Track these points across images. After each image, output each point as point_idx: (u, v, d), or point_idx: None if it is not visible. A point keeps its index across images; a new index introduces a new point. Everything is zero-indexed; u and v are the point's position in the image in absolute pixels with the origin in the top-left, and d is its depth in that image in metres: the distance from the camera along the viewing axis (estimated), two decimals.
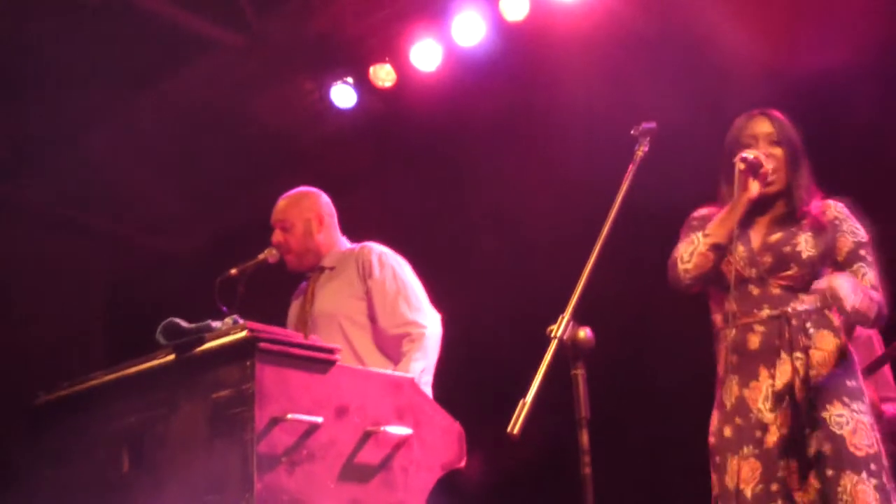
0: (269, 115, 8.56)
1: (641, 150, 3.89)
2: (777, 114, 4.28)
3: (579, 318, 3.27)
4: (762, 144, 4.18)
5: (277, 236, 5.45)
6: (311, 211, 5.53)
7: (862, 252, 4.11)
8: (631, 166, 3.85)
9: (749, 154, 4.09)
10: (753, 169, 4.10)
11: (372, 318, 5.23)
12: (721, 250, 4.15)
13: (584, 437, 3.17)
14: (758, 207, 4.19)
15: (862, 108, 6.70)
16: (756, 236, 4.16)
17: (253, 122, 8.58)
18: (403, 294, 5.23)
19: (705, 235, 4.17)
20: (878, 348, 6.07)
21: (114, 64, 7.66)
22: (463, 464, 4.23)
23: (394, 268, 5.32)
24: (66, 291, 9.45)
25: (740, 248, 4.13)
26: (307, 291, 5.44)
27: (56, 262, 9.30)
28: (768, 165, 4.12)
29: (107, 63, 7.64)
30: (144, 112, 8.40)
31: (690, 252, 4.19)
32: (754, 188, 4.11)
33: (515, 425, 3.08)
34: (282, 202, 5.57)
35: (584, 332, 3.24)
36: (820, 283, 3.87)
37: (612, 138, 4.26)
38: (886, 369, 6.08)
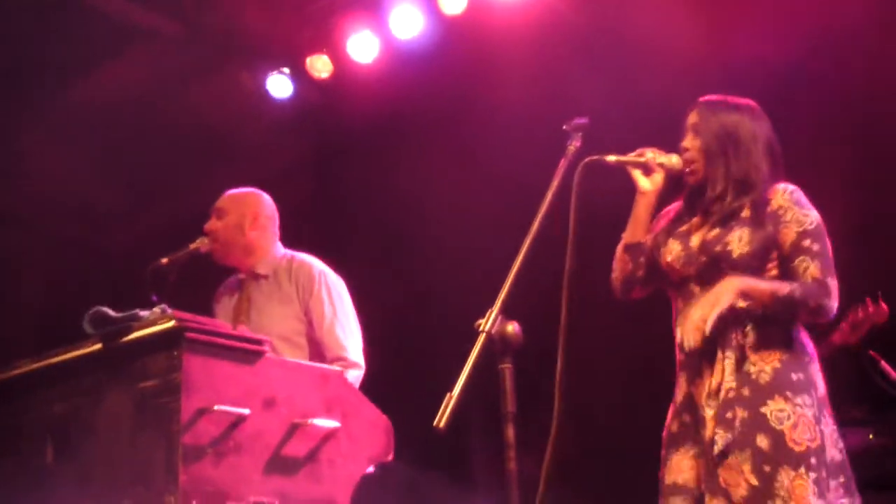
0: (205, 105, 8.50)
1: (574, 145, 3.89)
2: (708, 100, 4.22)
3: (508, 313, 3.27)
4: (688, 135, 4.17)
5: (210, 223, 5.38)
6: (248, 207, 5.44)
7: (806, 243, 3.93)
8: (563, 161, 3.86)
9: (629, 155, 4.12)
10: (641, 166, 4.13)
11: (309, 339, 5.20)
12: (636, 249, 4.18)
13: (510, 432, 3.17)
14: (696, 202, 4.17)
15: (802, 99, 6.77)
16: (697, 234, 4.11)
17: (189, 112, 8.51)
18: (340, 321, 5.20)
19: (621, 239, 4.21)
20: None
21: (48, 53, 7.58)
22: (390, 457, 4.22)
23: (332, 292, 5.25)
24: (4, 287, 9.34)
25: (678, 247, 4.10)
26: (241, 297, 5.38)
27: None
28: (661, 158, 4.12)
29: (41, 52, 7.56)
30: (79, 102, 8.31)
31: (615, 260, 4.25)
32: (645, 184, 4.12)
33: (442, 419, 3.08)
34: (227, 193, 5.51)
35: (513, 327, 3.24)
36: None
37: (547, 133, 4.26)
38: None
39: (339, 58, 7.94)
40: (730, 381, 3.88)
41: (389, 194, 8.32)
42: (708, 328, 3.77)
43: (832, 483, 3.87)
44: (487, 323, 3.23)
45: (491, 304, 3.28)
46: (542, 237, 3.52)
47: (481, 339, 3.21)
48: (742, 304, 3.87)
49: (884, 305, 6.00)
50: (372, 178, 8.56)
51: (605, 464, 7.24)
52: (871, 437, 6.27)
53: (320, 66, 8.02)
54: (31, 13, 7.25)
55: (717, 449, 3.82)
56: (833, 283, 3.92)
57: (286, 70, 8.10)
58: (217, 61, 8.23)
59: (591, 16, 7.38)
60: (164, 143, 8.64)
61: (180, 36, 7.95)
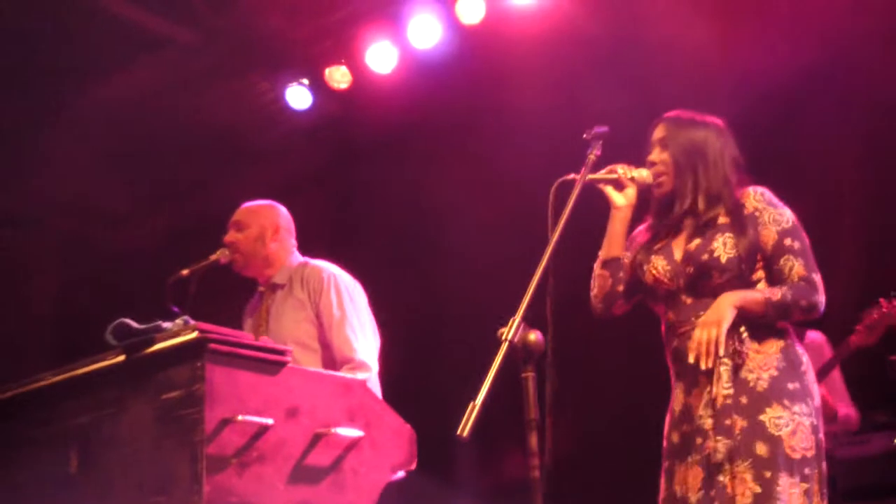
0: (223, 114, 8.53)
1: (594, 153, 3.93)
2: (675, 116, 4.28)
3: (530, 322, 3.27)
4: (655, 150, 4.23)
5: (230, 235, 5.43)
6: (268, 219, 5.51)
7: (787, 242, 4.01)
8: (583, 170, 3.88)
9: (599, 172, 4.14)
10: (613, 183, 4.17)
11: (322, 343, 5.23)
12: (613, 265, 4.22)
13: (534, 440, 3.17)
14: (668, 215, 4.22)
15: (813, 108, 6.77)
16: (678, 247, 4.15)
17: (207, 121, 8.54)
18: (350, 324, 5.20)
19: (598, 256, 4.26)
20: (829, 354, 6.13)
21: (67, 60, 7.62)
22: (413, 466, 4.22)
23: (342, 295, 5.27)
24: (17, 289, 9.37)
25: (662, 262, 4.14)
26: (261, 310, 5.43)
27: (7, 259, 9.23)
28: (632, 172, 4.18)
29: (59, 59, 7.59)
30: (97, 108, 8.34)
31: (592, 277, 4.29)
32: (618, 199, 4.18)
33: (465, 428, 3.08)
34: (244, 206, 5.56)
35: (535, 335, 3.24)
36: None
37: (566, 141, 4.28)
38: (837, 377, 6.14)
39: (357, 68, 7.96)
40: (727, 389, 3.90)
41: (408, 203, 8.34)
42: (721, 349, 3.80)
43: (824, 492, 3.92)
44: (510, 332, 3.24)
45: (507, 310, 3.29)
46: (561, 248, 3.54)
47: (504, 347, 3.22)
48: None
49: None
50: (390, 188, 8.58)
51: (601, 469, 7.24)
52: (895, 441, 6.26)
53: (339, 76, 8.04)
54: (51, 18, 7.29)
55: (718, 457, 3.83)
56: (818, 278, 4.00)
57: (305, 81, 8.12)
58: (235, 70, 8.26)
59: (608, 25, 7.38)
60: (182, 149, 8.69)
61: (198, 45, 7.98)
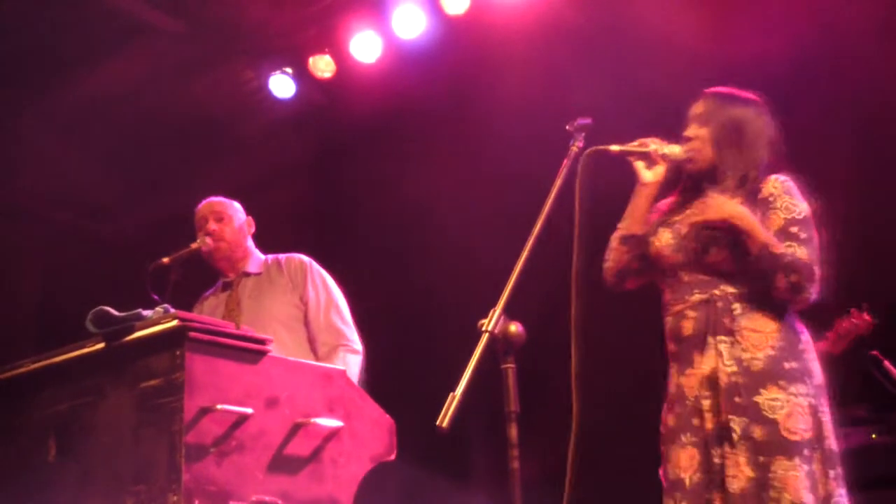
0: (207, 102, 8.51)
1: (576, 145, 3.90)
2: (716, 92, 4.23)
3: (510, 313, 3.26)
4: (693, 126, 4.16)
5: (213, 224, 5.47)
6: (241, 213, 5.68)
7: (793, 229, 3.93)
8: (565, 161, 3.86)
9: (630, 144, 4.10)
10: (643, 157, 4.12)
11: (305, 324, 5.35)
12: (632, 241, 4.16)
13: (514, 431, 3.17)
14: (698, 191, 4.16)
15: (802, 95, 6.77)
16: (686, 222, 4.11)
17: (191, 110, 8.53)
18: (335, 306, 5.39)
19: (617, 229, 4.19)
20: None
21: (51, 49, 7.58)
22: (393, 456, 4.22)
23: (325, 279, 5.46)
24: (2, 280, 9.34)
25: (668, 235, 4.09)
26: (231, 295, 5.46)
27: None
28: (664, 148, 4.11)
29: (43, 46, 7.56)
30: (82, 98, 8.31)
31: (608, 249, 4.23)
32: (646, 175, 4.12)
33: (445, 418, 3.07)
34: (214, 199, 5.66)
35: (515, 327, 3.23)
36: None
37: (549, 132, 4.26)
38: None
39: (341, 58, 7.95)
40: (730, 365, 3.86)
41: (391, 194, 8.32)
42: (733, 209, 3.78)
43: (830, 473, 3.85)
44: (490, 323, 3.22)
45: (493, 302, 3.28)
46: (546, 237, 3.52)
47: (484, 338, 3.21)
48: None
49: (867, 316, 6.01)
50: (374, 178, 8.57)
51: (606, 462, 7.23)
52: (873, 436, 6.28)
53: (323, 65, 8.02)
54: (35, 7, 7.25)
55: (736, 437, 3.79)
56: (818, 272, 3.92)
57: (289, 70, 8.10)
58: (219, 59, 8.24)
59: (593, 15, 7.38)
60: (166, 138, 8.67)
61: (183, 33, 7.95)
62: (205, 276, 5.65)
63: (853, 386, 6.23)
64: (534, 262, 3.43)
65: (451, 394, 3.10)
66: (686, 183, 4.23)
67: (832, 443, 3.90)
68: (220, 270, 5.58)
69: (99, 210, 9.76)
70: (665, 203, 4.28)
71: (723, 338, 3.90)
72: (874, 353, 5.79)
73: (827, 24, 6.68)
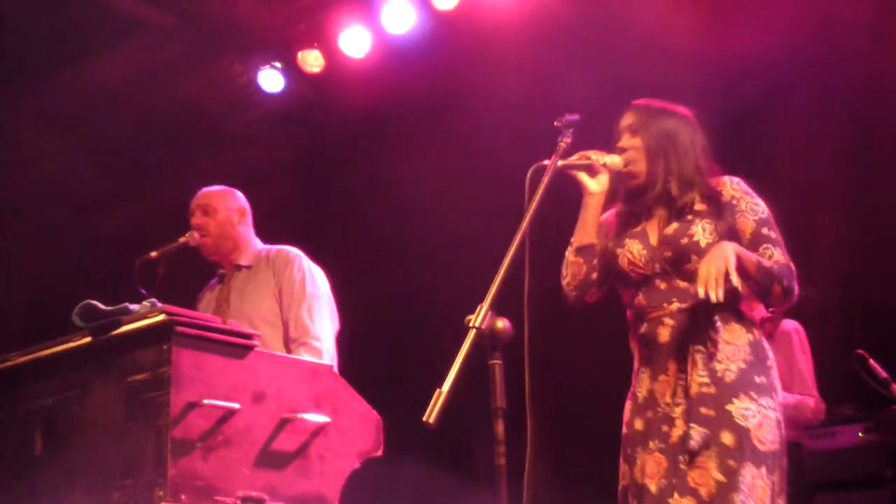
0: (195, 97, 8.49)
1: (564, 141, 3.91)
2: (645, 104, 4.26)
3: (497, 309, 3.26)
4: (624, 136, 4.19)
5: (198, 218, 5.45)
6: (234, 203, 5.58)
7: (765, 231, 4.00)
8: (554, 157, 3.87)
9: (571, 158, 4.12)
10: (586, 169, 4.13)
11: (284, 321, 5.26)
12: (587, 252, 4.17)
13: (500, 427, 3.16)
14: (642, 200, 4.18)
15: (792, 96, 6.78)
16: (653, 231, 4.13)
17: (180, 104, 8.51)
18: (307, 303, 5.25)
19: (570, 244, 4.21)
20: (800, 343, 6.14)
21: (40, 44, 7.56)
22: (380, 452, 4.22)
23: (304, 275, 5.33)
24: None
25: (638, 246, 4.10)
26: (222, 289, 5.44)
27: None
28: (605, 158, 4.12)
29: (33, 43, 7.54)
30: (69, 91, 8.29)
31: (564, 265, 4.24)
32: (592, 185, 4.13)
33: (431, 414, 3.07)
34: (205, 190, 5.60)
35: (502, 323, 3.23)
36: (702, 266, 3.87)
37: (538, 128, 4.27)
38: (806, 368, 6.15)
39: (330, 52, 7.94)
40: (703, 376, 3.89)
41: (380, 188, 8.32)
42: (734, 278, 3.73)
43: (784, 488, 3.91)
44: (477, 319, 3.22)
45: (481, 299, 3.28)
46: (533, 234, 3.52)
47: (471, 334, 3.21)
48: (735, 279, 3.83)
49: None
50: (362, 173, 8.57)
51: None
52: (860, 434, 6.30)
53: (312, 60, 8.01)
54: (26, 4, 7.22)
55: (693, 444, 3.82)
56: (794, 267, 3.98)
57: (278, 64, 8.09)
58: (208, 53, 8.22)
59: (583, 11, 7.38)
60: (155, 133, 8.65)
61: (172, 27, 7.93)
62: (197, 269, 5.62)
63: (845, 385, 6.26)
64: (521, 258, 3.43)
65: (438, 390, 3.10)
66: (626, 192, 4.26)
67: (786, 461, 3.96)
68: (216, 262, 5.55)
69: (89, 205, 9.73)
70: (610, 215, 4.31)
71: (700, 347, 3.93)
72: (859, 351, 5.79)
73: (817, 20, 6.68)
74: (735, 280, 3.73)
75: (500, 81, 7.46)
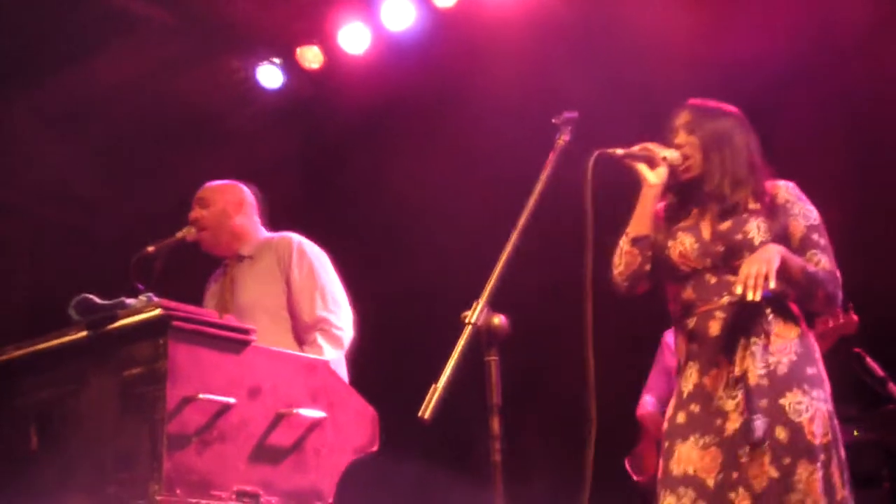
0: (195, 93, 8.48)
1: (562, 139, 3.91)
2: (699, 102, 4.31)
3: (494, 306, 3.26)
4: (680, 133, 4.23)
5: (195, 212, 5.44)
6: (231, 195, 5.54)
7: (814, 237, 4.08)
8: (551, 155, 3.87)
9: (633, 149, 4.14)
10: (646, 160, 4.16)
11: (291, 312, 5.23)
12: (643, 243, 4.17)
13: (496, 424, 3.17)
14: (694, 196, 4.22)
15: (793, 96, 6.77)
16: (706, 226, 4.15)
17: (178, 100, 8.49)
18: (320, 290, 5.22)
19: (626, 234, 4.21)
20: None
21: (38, 41, 7.56)
22: (376, 447, 4.22)
23: (311, 261, 5.30)
24: None
25: (690, 240, 4.12)
26: (225, 279, 5.42)
27: None
28: (664, 152, 4.17)
29: (32, 40, 7.53)
30: (68, 89, 8.29)
31: (618, 254, 4.23)
32: (651, 177, 4.16)
33: (427, 410, 3.07)
34: (206, 185, 5.58)
35: (499, 319, 3.23)
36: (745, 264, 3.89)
37: (537, 126, 4.26)
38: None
39: (330, 49, 7.94)
40: (761, 368, 3.92)
41: (379, 186, 8.32)
42: (772, 283, 3.78)
43: (845, 477, 3.94)
44: (474, 315, 3.22)
45: (478, 295, 3.28)
46: (530, 230, 3.52)
47: (467, 330, 3.21)
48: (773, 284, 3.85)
49: (854, 316, 6.01)
50: (361, 170, 8.55)
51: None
52: (855, 433, 6.29)
53: (311, 56, 8.01)
54: (24, 2, 7.22)
55: (757, 435, 3.83)
56: (839, 277, 4.06)
57: (277, 60, 8.09)
58: (207, 50, 8.21)
59: (583, 8, 7.38)
60: (154, 131, 8.63)
61: (171, 24, 7.92)
62: (196, 265, 5.61)
63: (842, 384, 6.26)
64: (518, 254, 3.43)
65: (434, 385, 3.10)
66: (679, 187, 4.28)
67: (843, 449, 3.98)
68: (221, 257, 5.52)
69: (88, 203, 9.72)
70: (660, 208, 4.32)
71: (756, 339, 3.96)
72: (857, 350, 5.80)
73: (818, 21, 6.68)
74: (773, 284, 3.78)
75: (499, 78, 7.45)
